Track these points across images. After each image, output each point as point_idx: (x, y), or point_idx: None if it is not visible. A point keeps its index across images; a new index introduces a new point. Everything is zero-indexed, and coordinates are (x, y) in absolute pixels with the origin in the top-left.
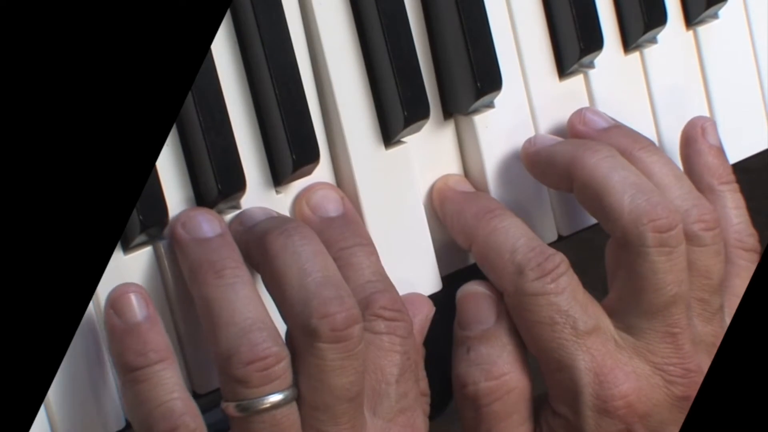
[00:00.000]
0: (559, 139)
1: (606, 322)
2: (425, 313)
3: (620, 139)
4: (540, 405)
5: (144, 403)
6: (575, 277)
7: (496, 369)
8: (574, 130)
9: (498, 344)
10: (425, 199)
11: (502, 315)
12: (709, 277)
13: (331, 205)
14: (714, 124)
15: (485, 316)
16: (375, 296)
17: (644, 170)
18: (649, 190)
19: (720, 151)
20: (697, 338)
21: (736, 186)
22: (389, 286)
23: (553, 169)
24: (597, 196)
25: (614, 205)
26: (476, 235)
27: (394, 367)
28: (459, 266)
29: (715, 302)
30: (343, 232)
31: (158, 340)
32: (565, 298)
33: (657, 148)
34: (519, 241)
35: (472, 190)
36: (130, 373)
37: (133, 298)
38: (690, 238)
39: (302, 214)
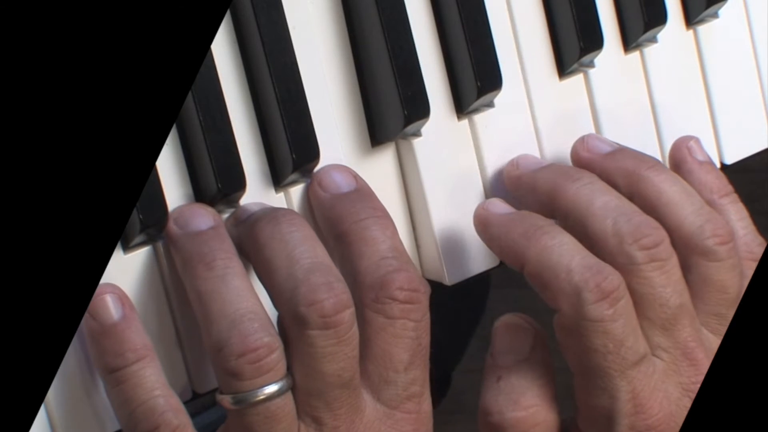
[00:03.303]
0: (544, 162)
1: (647, 349)
2: None
3: (626, 161)
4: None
5: (126, 403)
6: (630, 301)
7: (525, 400)
8: (578, 158)
9: (529, 377)
10: (430, 199)
11: (538, 348)
12: (725, 291)
13: (344, 181)
14: (698, 140)
15: (520, 347)
16: (391, 276)
17: (653, 190)
18: (631, 212)
19: (711, 165)
20: (712, 353)
21: (735, 197)
22: (406, 263)
23: (535, 197)
24: (581, 224)
25: (598, 232)
26: (528, 255)
27: (404, 354)
28: (467, 275)
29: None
30: (356, 205)
31: (135, 338)
32: (620, 326)
33: (664, 167)
34: (574, 260)
35: (513, 210)
36: (110, 374)
37: (108, 299)
38: (705, 254)
39: (314, 194)
